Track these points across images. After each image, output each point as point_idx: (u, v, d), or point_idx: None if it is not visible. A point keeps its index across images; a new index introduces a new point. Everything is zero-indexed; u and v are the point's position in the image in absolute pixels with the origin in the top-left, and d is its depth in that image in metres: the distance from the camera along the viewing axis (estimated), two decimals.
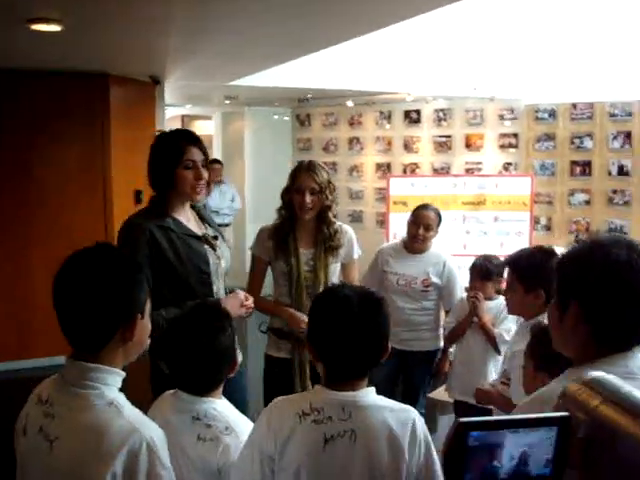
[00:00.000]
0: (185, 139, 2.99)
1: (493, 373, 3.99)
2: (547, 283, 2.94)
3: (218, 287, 3.02)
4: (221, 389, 2.25)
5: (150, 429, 1.60)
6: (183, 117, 12.34)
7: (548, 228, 7.75)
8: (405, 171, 8.53)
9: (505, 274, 3.16)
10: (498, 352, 3.99)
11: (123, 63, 6.21)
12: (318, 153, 9.09)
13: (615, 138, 7.33)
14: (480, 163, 8.11)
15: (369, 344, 1.96)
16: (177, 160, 2.92)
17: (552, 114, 7.67)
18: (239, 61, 6.19)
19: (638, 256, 1.57)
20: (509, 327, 4.00)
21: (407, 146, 8.60)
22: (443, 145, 8.36)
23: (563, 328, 1.66)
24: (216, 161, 8.98)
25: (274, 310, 3.52)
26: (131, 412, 1.61)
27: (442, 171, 8.27)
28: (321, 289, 3.47)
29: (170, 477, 1.60)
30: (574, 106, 7.53)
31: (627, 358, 1.59)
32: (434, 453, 2.00)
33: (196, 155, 2.96)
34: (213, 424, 2.11)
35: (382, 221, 8.12)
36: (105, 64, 6.27)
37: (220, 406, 2.20)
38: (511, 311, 3.12)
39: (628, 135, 7.25)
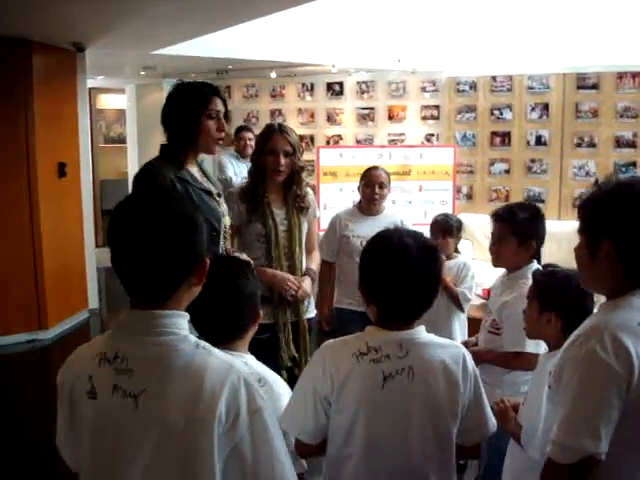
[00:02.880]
0: (209, 89, 2.94)
1: (458, 331, 4.14)
2: (537, 236, 3.10)
3: (222, 245, 2.99)
4: (247, 344, 2.24)
5: (241, 364, 1.58)
6: (90, 90, 11.95)
7: (470, 197, 8.00)
8: (329, 142, 8.58)
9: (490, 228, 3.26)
10: (462, 310, 4.14)
11: (46, 28, 5.87)
12: (239, 125, 9.00)
13: (533, 109, 7.62)
14: (403, 134, 8.25)
15: (425, 289, 2.01)
16: (202, 109, 2.86)
17: (473, 86, 7.88)
18: (168, 29, 6.06)
19: None
20: (471, 285, 4.16)
21: (330, 118, 8.65)
22: (366, 117, 8.45)
23: (595, 267, 1.77)
24: (246, 128, 7.41)
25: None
26: (218, 351, 1.58)
27: (366, 142, 8.36)
28: (297, 249, 3.51)
29: (268, 407, 1.57)
30: (494, 79, 7.76)
31: None
32: (481, 386, 2.09)
33: (220, 105, 2.93)
34: None
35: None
36: (27, 29, 5.90)
37: (250, 360, 2.19)
38: (500, 264, 3.23)
39: (546, 107, 7.57)
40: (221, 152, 6.94)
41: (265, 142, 3.48)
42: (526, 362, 2.97)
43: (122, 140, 11.67)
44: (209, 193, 2.98)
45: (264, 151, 3.46)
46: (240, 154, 7.12)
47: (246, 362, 2.14)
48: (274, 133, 3.47)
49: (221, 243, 2.99)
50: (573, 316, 2.12)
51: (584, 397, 1.65)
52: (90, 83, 8.78)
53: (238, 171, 7.06)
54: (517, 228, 3.10)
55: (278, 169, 3.43)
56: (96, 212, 9.04)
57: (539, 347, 2.95)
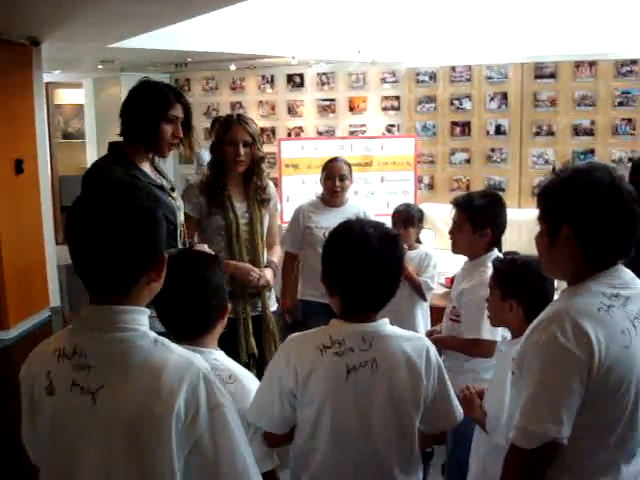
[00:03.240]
0: (173, 93, 2.91)
1: (421, 320, 4.17)
2: (494, 223, 3.15)
3: (180, 241, 2.97)
4: (216, 339, 2.22)
5: (201, 360, 1.57)
6: (47, 85, 11.75)
7: (431, 187, 8.06)
8: (290, 135, 8.57)
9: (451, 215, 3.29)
10: (424, 299, 4.18)
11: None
12: (199, 118, 8.89)
13: (492, 99, 7.70)
14: (364, 125, 8.27)
15: (387, 279, 2.03)
16: (161, 112, 2.84)
17: (432, 77, 7.93)
18: (126, 21, 5.97)
19: (617, 177, 1.74)
20: (433, 274, 4.20)
21: (291, 110, 8.63)
22: (327, 108, 8.46)
23: (555, 253, 1.81)
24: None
25: None
26: (177, 347, 1.56)
27: (327, 134, 8.37)
28: (259, 241, 3.50)
29: (230, 404, 1.57)
30: (453, 69, 7.82)
31: (618, 271, 1.79)
32: (446, 376, 2.11)
33: (179, 112, 2.90)
34: (215, 373, 2.08)
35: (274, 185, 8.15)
36: None
37: (220, 356, 2.18)
38: (457, 250, 3.27)
39: (505, 96, 7.65)
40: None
41: (224, 133, 3.47)
42: (484, 348, 3.02)
43: (81, 135, 11.51)
44: (161, 188, 2.94)
45: (223, 141, 3.45)
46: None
47: (216, 358, 2.14)
48: (233, 124, 3.47)
49: (179, 238, 2.96)
50: (534, 303, 2.16)
51: (546, 382, 1.68)
52: (47, 78, 8.65)
53: None
54: (473, 215, 3.15)
55: (238, 159, 3.42)
56: (55, 209, 8.91)
57: (495, 334, 3.00)
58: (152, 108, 2.84)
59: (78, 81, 10.80)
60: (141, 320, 1.55)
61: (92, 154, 10.28)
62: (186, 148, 3.03)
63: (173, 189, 3.08)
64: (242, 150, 3.42)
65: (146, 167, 2.96)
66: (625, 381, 1.72)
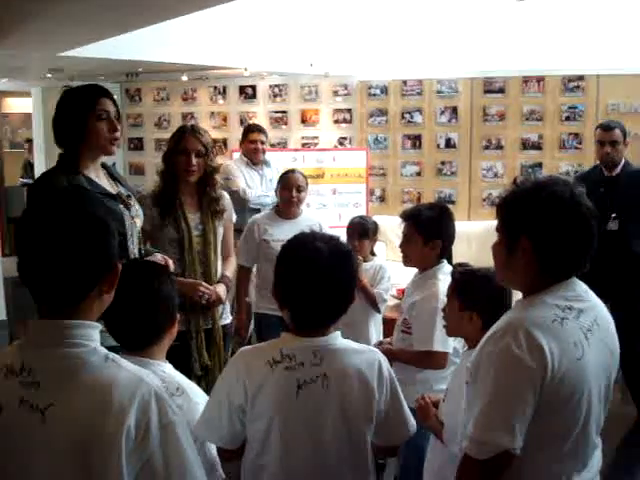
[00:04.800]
0: (96, 91, 2.86)
1: (374, 332, 4.17)
2: (443, 235, 3.18)
3: (133, 248, 2.91)
4: (164, 351, 2.19)
5: (152, 377, 1.54)
6: None
7: (382, 199, 8.09)
8: None
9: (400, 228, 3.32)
10: (378, 311, 4.19)
11: None
12: (150, 129, 8.88)
13: (443, 113, 7.78)
14: (316, 138, 8.28)
15: (339, 294, 2.02)
16: (89, 111, 2.77)
17: (384, 90, 7.98)
18: (74, 29, 5.87)
19: (577, 193, 1.77)
20: (387, 286, 4.21)
21: (243, 122, 8.57)
22: (279, 120, 8.45)
23: (512, 264, 1.83)
24: (256, 128, 6.41)
25: None
26: (128, 364, 1.53)
27: (279, 146, 8.35)
28: (212, 254, 3.47)
29: (182, 421, 1.54)
30: (404, 83, 7.88)
31: (572, 284, 1.82)
32: (399, 389, 2.10)
33: (109, 106, 2.83)
34: (163, 385, 2.04)
35: None
36: None
37: (168, 368, 2.15)
38: (408, 263, 3.29)
39: (455, 110, 7.74)
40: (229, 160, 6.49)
41: (176, 142, 3.46)
42: (435, 360, 3.04)
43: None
44: (112, 196, 2.88)
45: (175, 151, 3.43)
46: (251, 160, 6.18)
47: (164, 370, 2.12)
48: (186, 133, 3.46)
49: (130, 247, 2.91)
50: (493, 314, 2.18)
51: (499, 393, 1.70)
52: None
53: (250, 181, 6.07)
54: (422, 227, 3.17)
55: (189, 169, 3.40)
56: (1, 220, 8.73)
57: (446, 345, 3.03)
58: (79, 109, 2.77)
59: (26, 90, 10.63)
60: (91, 335, 1.52)
61: (40, 164, 10.11)
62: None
63: (129, 196, 3.03)
64: (194, 160, 3.40)
65: (97, 175, 2.90)
66: (577, 392, 1.74)
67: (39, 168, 10.03)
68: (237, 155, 7.29)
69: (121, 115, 2.96)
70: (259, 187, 6.07)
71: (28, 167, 10.37)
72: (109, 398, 1.44)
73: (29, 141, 10.65)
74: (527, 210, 1.80)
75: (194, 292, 3.37)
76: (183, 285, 3.32)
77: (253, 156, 6.16)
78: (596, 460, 1.93)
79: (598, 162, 5.13)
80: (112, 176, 3.03)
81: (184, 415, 1.98)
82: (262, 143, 6.19)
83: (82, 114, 2.77)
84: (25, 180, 10.30)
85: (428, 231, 3.17)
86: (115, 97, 2.95)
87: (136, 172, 8.80)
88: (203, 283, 3.42)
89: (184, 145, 3.42)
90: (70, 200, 1.55)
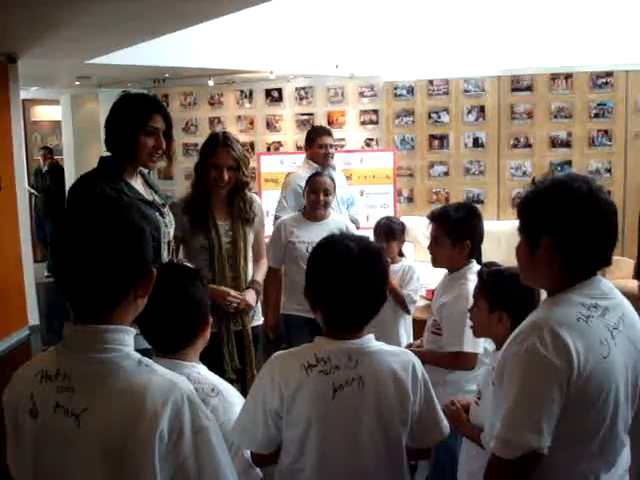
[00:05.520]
0: (150, 105, 2.91)
1: (404, 333, 4.16)
2: (472, 235, 3.15)
3: (164, 256, 2.94)
4: (198, 353, 2.21)
5: (185, 382, 1.55)
6: (24, 102, 11.63)
7: (410, 199, 8.08)
8: (269, 149, 8.57)
9: (428, 230, 3.30)
10: (408, 312, 4.17)
11: None
12: (178, 134, 8.85)
13: (470, 112, 7.75)
14: (343, 140, 8.27)
15: (371, 293, 2.01)
16: (141, 125, 2.83)
17: (410, 90, 7.96)
18: (102, 37, 5.97)
19: (595, 188, 1.76)
20: (416, 287, 4.19)
21: (270, 125, 8.64)
22: (306, 123, 8.45)
23: (535, 263, 1.82)
24: (324, 131, 5.81)
25: None
26: (161, 368, 1.54)
27: None
28: (242, 260, 3.48)
29: (215, 427, 1.55)
30: (430, 82, 7.86)
31: (596, 282, 1.81)
32: (432, 391, 2.09)
33: (159, 123, 2.90)
34: (198, 386, 2.04)
35: None
36: None
37: (202, 369, 2.16)
38: (437, 264, 3.27)
39: (482, 109, 7.70)
40: (298, 168, 5.74)
41: (209, 155, 3.45)
42: (466, 361, 3.02)
43: (58, 152, 11.45)
44: (149, 203, 2.94)
45: (208, 164, 3.44)
46: (321, 166, 5.52)
47: (199, 372, 2.13)
48: (218, 147, 3.44)
49: (164, 254, 2.94)
50: (523, 314, 2.17)
51: (526, 393, 1.68)
52: (23, 94, 8.59)
53: None
54: (451, 228, 3.15)
55: (221, 184, 3.41)
56: (33, 226, 8.84)
57: (477, 346, 3.00)
58: (131, 121, 2.84)
59: (55, 97, 10.76)
60: (125, 340, 1.53)
61: (70, 170, 10.23)
62: (167, 160, 3.03)
63: (164, 205, 3.08)
64: (226, 175, 3.41)
65: (136, 182, 2.96)
66: (604, 391, 1.72)
67: (69, 174, 10.15)
68: (264, 158, 7.36)
69: (172, 128, 3.01)
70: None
71: (39, 176, 10.34)
72: (142, 403, 1.44)
73: (45, 148, 10.67)
74: (546, 208, 1.79)
75: (223, 300, 3.39)
76: (213, 293, 3.34)
77: (323, 162, 5.57)
78: (624, 458, 1.90)
79: None
80: (148, 183, 3.08)
81: (220, 416, 2.01)
82: (331, 147, 5.66)
83: (133, 129, 2.84)
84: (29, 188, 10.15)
85: (456, 232, 3.15)
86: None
87: (165, 177, 8.86)
88: (232, 291, 3.43)
89: (216, 160, 3.42)
90: (107, 206, 1.56)
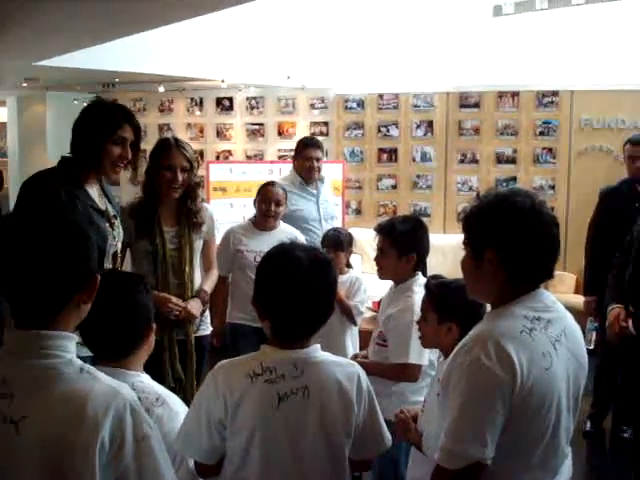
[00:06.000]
0: (122, 114, 2.89)
1: (350, 344, 4.18)
2: (418, 248, 3.19)
3: (106, 268, 2.89)
4: (142, 362, 2.18)
5: (127, 390, 1.53)
6: None
7: (358, 211, 8.14)
8: (218, 158, 8.53)
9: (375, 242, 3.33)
10: (354, 323, 4.19)
11: None
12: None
13: (418, 127, 7.86)
14: (292, 150, 8.25)
15: (319, 304, 2.01)
16: (109, 133, 2.81)
17: (360, 104, 8.04)
18: (52, 40, 5.86)
19: (538, 202, 1.81)
20: (363, 298, 4.22)
21: (219, 133, 8.60)
22: (256, 132, 8.46)
23: (479, 276, 1.86)
24: (312, 143, 5.47)
25: None
26: (104, 376, 1.52)
27: (256, 158, 8.36)
28: (187, 268, 3.45)
29: (157, 435, 1.53)
30: (381, 97, 7.95)
31: (540, 294, 1.86)
32: (376, 402, 2.10)
33: (128, 133, 2.87)
34: (142, 396, 2.01)
35: None
36: None
37: (146, 378, 2.14)
38: (383, 276, 3.30)
39: (430, 124, 7.81)
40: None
41: (161, 157, 3.43)
42: (410, 373, 3.05)
43: (3, 154, 11.23)
44: (101, 212, 2.90)
45: (161, 166, 3.41)
46: (304, 180, 5.23)
47: (142, 381, 2.10)
48: (171, 148, 3.42)
49: (105, 264, 2.89)
50: (471, 324, 2.20)
51: (470, 404, 1.71)
52: None
53: (303, 204, 5.15)
54: (397, 240, 3.19)
55: (174, 186, 3.39)
56: None
57: (422, 358, 3.03)
58: (100, 128, 2.82)
59: (1, 99, 10.54)
60: (67, 347, 1.51)
61: (14, 173, 10.02)
62: (131, 171, 3.00)
63: (116, 216, 3.04)
64: (180, 176, 3.39)
65: (92, 189, 2.92)
66: (546, 402, 1.76)
67: (13, 177, 9.95)
68: (213, 166, 7.33)
69: (141, 139, 3.00)
70: (313, 211, 5.23)
71: None
72: (83, 410, 1.42)
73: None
74: (490, 222, 1.84)
75: (164, 307, 3.35)
76: (155, 299, 3.30)
77: (307, 175, 5.27)
78: (566, 469, 1.95)
79: (629, 177, 4.69)
80: (104, 193, 3.04)
81: (165, 425, 1.99)
82: (318, 160, 5.33)
83: (101, 136, 2.82)
84: None
85: (402, 244, 3.19)
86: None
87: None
88: (173, 299, 3.40)
89: (170, 161, 3.40)
90: (51, 208, 1.54)
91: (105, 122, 2.84)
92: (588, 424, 4.69)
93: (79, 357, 1.55)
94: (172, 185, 3.39)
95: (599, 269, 4.23)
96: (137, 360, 2.15)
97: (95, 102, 2.97)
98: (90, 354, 2.09)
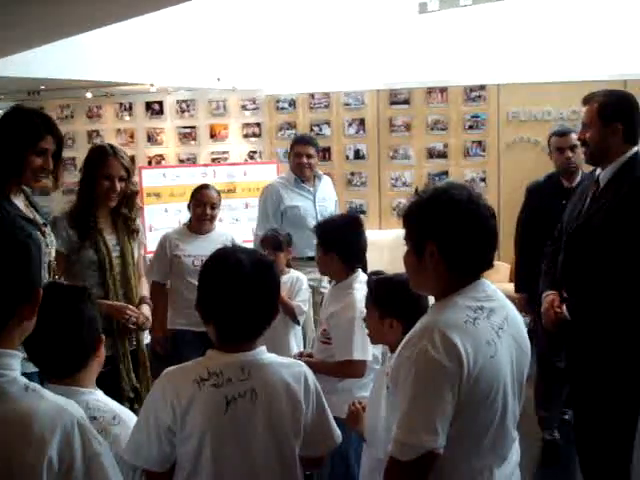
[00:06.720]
0: (43, 124, 2.83)
1: (294, 344, 4.19)
2: (338, 245, 3.24)
3: (44, 277, 2.83)
4: (94, 377, 2.14)
5: (75, 407, 1.50)
6: None
7: None
8: (151, 163, 8.41)
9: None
10: (298, 323, 4.21)
11: None
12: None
13: (350, 125, 7.91)
14: (226, 152, 8.26)
15: (263, 305, 2.02)
16: (30, 144, 2.75)
17: (292, 104, 8.05)
18: None
19: (475, 194, 1.87)
20: (305, 298, 4.23)
21: (151, 138, 8.48)
22: (188, 136, 8.38)
23: (422, 270, 1.90)
24: (305, 140, 5.48)
25: None
26: (50, 394, 1.49)
27: (189, 162, 8.29)
28: (132, 275, 3.41)
29: (107, 451, 1.51)
30: (312, 96, 7.97)
31: (481, 284, 1.92)
32: (324, 400, 2.12)
33: (50, 144, 2.82)
34: (99, 415, 1.98)
35: None
36: None
37: (101, 396, 2.10)
38: (322, 273, 3.46)
39: (362, 122, 7.88)
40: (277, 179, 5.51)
41: (99, 166, 3.37)
42: (354, 369, 3.09)
43: None
44: (30, 221, 2.84)
45: (98, 175, 3.35)
46: (299, 177, 5.24)
47: (97, 399, 2.06)
48: (109, 157, 3.37)
49: (44, 274, 2.84)
50: (413, 318, 2.24)
51: (420, 395, 1.75)
52: None
53: (299, 201, 5.17)
54: (319, 238, 3.31)
55: (113, 195, 3.34)
56: None
57: (366, 353, 3.07)
58: (21, 139, 2.76)
59: None
60: (11, 364, 1.47)
61: None
62: (52, 180, 2.95)
63: (46, 224, 2.98)
64: (118, 185, 3.35)
65: (17, 199, 2.87)
66: (493, 389, 1.81)
67: None
68: (146, 172, 7.25)
69: (62, 148, 2.95)
70: (310, 208, 5.17)
71: None
72: (29, 429, 1.39)
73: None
74: (429, 215, 1.89)
75: (121, 316, 3.31)
76: (110, 309, 3.26)
77: (298, 172, 5.24)
78: (515, 453, 2.01)
79: (555, 171, 4.63)
80: (30, 202, 2.98)
81: (122, 443, 1.97)
82: (309, 157, 5.23)
83: (22, 147, 2.77)
84: None
85: (324, 242, 3.27)
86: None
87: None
88: (130, 306, 3.36)
89: (108, 170, 3.35)
90: None
91: (26, 133, 2.79)
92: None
93: (24, 374, 1.51)
94: (110, 194, 3.34)
95: (528, 266, 4.24)
96: (89, 375, 2.11)
97: (14, 109, 2.91)
98: (35, 369, 2.04)
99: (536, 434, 4.63)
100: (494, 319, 1.87)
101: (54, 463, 1.39)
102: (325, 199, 5.32)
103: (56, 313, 1.97)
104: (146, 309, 3.48)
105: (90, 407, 1.98)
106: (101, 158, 3.39)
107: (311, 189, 5.21)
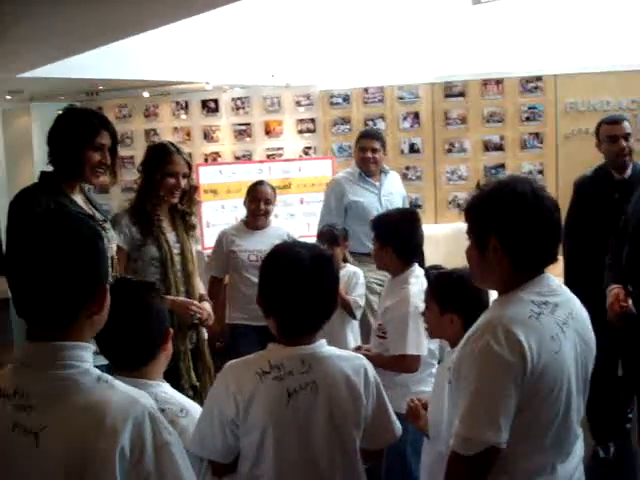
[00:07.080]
0: (98, 121, 2.89)
1: (351, 338, 4.20)
2: (395, 239, 3.23)
3: (110, 274, 2.90)
4: (161, 371, 2.18)
5: (146, 398, 1.53)
6: None
7: None
8: (207, 160, 8.52)
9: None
10: (354, 317, 4.22)
11: None
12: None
13: (405, 119, 7.86)
14: (281, 149, 8.31)
15: (323, 299, 2.05)
16: (88, 140, 2.81)
17: (346, 99, 8.04)
18: (34, 50, 5.86)
19: (538, 188, 1.84)
20: (361, 292, 4.24)
21: (207, 135, 8.59)
22: (243, 133, 8.46)
23: (485, 264, 1.88)
24: (371, 135, 5.42)
25: None
26: (121, 384, 1.53)
27: (244, 158, 8.36)
28: (192, 272, 3.46)
29: (177, 441, 1.54)
30: (366, 90, 7.94)
31: (545, 279, 1.89)
32: (384, 393, 2.13)
33: (106, 139, 2.88)
34: (167, 407, 2.03)
35: None
36: None
37: (168, 388, 2.15)
38: (379, 268, 3.41)
39: (416, 115, 7.82)
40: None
41: (163, 164, 3.41)
42: (408, 364, 3.08)
43: None
44: (91, 218, 2.89)
45: (161, 173, 3.40)
46: (364, 172, 5.18)
47: (165, 391, 2.11)
48: (172, 154, 3.42)
49: (110, 271, 2.91)
50: (473, 314, 2.22)
51: (482, 390, 1.74)
52: None
53: (362, 196, 5.10)
54: (378, 232, 3.30)
55: (176, 192, 3.39)
56: None
57: (421, 348, 3.06)
58: (78, 136, 2.82)
59: None
60: (83, 356, 1.51)
61: (2, 186, 9.99)
62: (110, 176, 3.01)
63: (105, 221, 3.04)
64: (182, 182, 3.40)
65: (77, 197, 2.93)
66: (557, 385, 1.79)
67: (1, 192, 9.91)
68: (203, 169, 7.33)
69: (117, 143, 3.01)
70: (375, 202, 5.08)
71: None
72: (101, 419, 1.43)
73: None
74: (492, 210, 1.87)
75: (185, 311, 3.35)
76: (173, 304, 3.26)
77: (362, 166, 5.17)
78: (578, 449, 1.98)
79: (603, 163, 4.36)
80: (88, 199, 3.05)
81: (190, 436, 2.00)
82: (374, 151, 5.13)
83: (80, 144, 2.83)
84: None
85: (381, 236, 3.27)
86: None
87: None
88: (195, 302, 3.40)
89: (172, 168, 3.39)
90: (57, 220, 1.54)
91: (83, 129, 2.85)
92: None
93: (96, 366, 1.56)
94: (174, 191, 3.39)
95: (577, 268, 4.09)
96: (157, 368, 2.16)
97: (69, 110, 3.00)
98: (105, 362, 2.09)
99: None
100: (558, 314, 1.85)
101: (126, 452, 1.42)
102: (392, 193, 5.23)
103: (126, 307, 2.01)
104: (208, 306, 3.51)
105: (158, 399, 2.01)
106: (164, 156, 3.43)
107: (376, 184, 5.13)
